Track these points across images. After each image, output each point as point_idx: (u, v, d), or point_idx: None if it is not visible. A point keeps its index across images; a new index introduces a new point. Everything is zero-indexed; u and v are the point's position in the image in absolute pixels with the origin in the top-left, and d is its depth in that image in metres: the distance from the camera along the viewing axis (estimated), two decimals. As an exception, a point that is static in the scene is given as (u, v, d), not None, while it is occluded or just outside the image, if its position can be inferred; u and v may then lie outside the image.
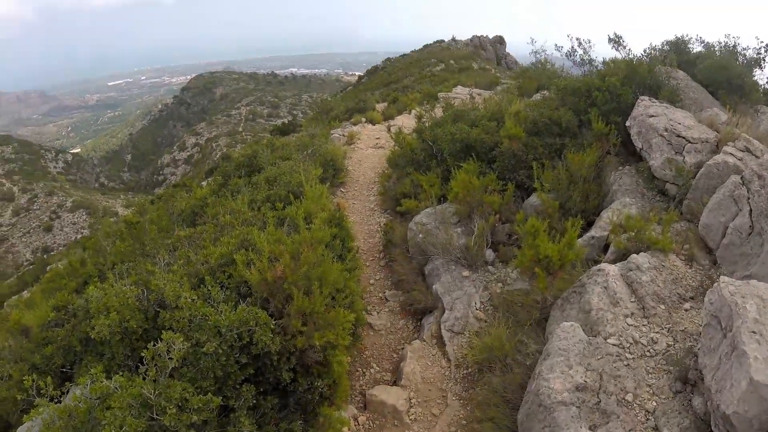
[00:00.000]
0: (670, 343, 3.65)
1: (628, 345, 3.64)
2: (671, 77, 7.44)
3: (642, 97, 7.04)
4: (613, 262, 4.50)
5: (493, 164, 7.25)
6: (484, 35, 51.15)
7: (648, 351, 3.61)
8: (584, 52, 9.50)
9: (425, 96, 18.85)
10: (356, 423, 4.47)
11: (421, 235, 6.48)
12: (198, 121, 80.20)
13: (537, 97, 10.09)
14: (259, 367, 3.52)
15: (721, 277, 3.28)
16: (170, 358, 2.98)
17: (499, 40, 50.04)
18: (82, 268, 7.49)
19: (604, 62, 8.80)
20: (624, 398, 3.29)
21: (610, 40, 9.25)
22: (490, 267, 5.86)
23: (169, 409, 2.79)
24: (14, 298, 19.92)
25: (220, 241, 4.52)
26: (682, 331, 3.74)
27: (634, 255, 4.29)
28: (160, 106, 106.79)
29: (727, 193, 4.47)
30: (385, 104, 20.24)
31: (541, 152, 7.03)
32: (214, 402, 3.00)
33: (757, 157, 5.16)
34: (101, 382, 2.92)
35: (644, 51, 9.14)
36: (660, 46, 9.65)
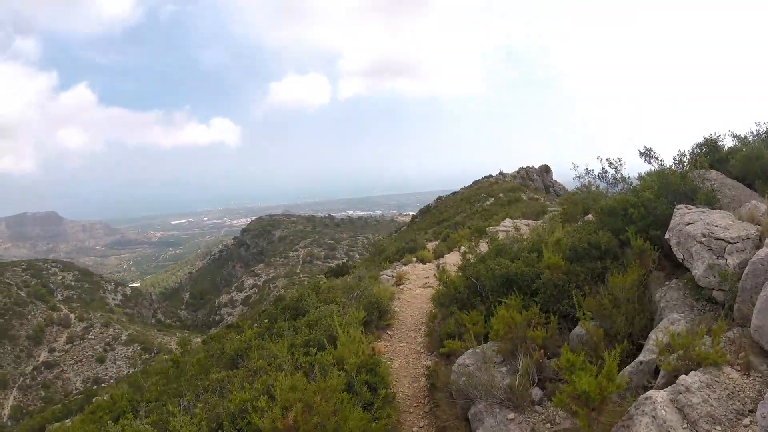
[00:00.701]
0: (732, 467, 2.91)
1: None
2: (705, 179, 7.22)
3: (678, 206, 6.78)
4: (664, 386, 3.90)
5: (536, 296, 7.01)
6: (530, 166, 52.57)
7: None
8: (615, 171, 9.61)
9: (474, 231, 18.99)
10: None
11: (463, 378, 6.10)
12: (257, 262, 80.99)
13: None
14: None
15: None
16: None
17: (545, 169, 51.18)
18: (120, 402, 7.68)
19: (639, 177, 8.75)
20: None
21: (641, 154, 9.32)
22: (537, 407, 5.23)
23: None
24: (56, 424, 20.12)
25: (246, 386, 4.66)
26: (744, 450, 3.00)
27: (683, 376, 3.73)
28: (220, 246, 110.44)
29: (773, 288, 3.92)
30: (437, 242, 20.36)
31: (583, 278, 6.76)
32: None
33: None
34: None
35: (674, 158, 9.04)
36: (690, 150, 9.54)
